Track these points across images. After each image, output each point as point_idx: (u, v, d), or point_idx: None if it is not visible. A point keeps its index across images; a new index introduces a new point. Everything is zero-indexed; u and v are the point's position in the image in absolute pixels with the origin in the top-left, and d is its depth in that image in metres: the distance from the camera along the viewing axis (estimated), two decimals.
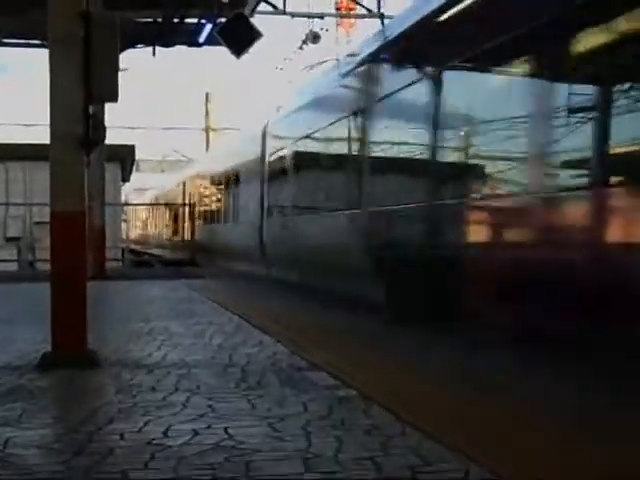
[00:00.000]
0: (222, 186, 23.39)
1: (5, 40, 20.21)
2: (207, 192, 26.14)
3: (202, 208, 26.51)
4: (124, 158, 29.14)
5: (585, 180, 6.16)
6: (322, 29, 27.78)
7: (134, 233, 47.92)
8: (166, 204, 35.65)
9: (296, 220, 14.53)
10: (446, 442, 4.49)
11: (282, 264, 15.50)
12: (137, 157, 34.44)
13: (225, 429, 4.85)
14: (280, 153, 16.09)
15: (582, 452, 4.33)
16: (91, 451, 4.44)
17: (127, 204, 43.96)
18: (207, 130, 55.11)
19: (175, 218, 33.06)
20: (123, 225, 36.64)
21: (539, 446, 4.46)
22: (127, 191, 47.76)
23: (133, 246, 43.09)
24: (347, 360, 7.29)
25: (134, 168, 36.35)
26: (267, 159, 17.29)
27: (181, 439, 4.64)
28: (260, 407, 5.46)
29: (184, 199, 30.22)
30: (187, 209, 28.81)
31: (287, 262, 15.04)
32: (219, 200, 23.98)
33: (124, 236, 36.76)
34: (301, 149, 14.56)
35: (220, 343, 8.45)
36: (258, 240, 17.26)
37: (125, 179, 33.78)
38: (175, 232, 32.49)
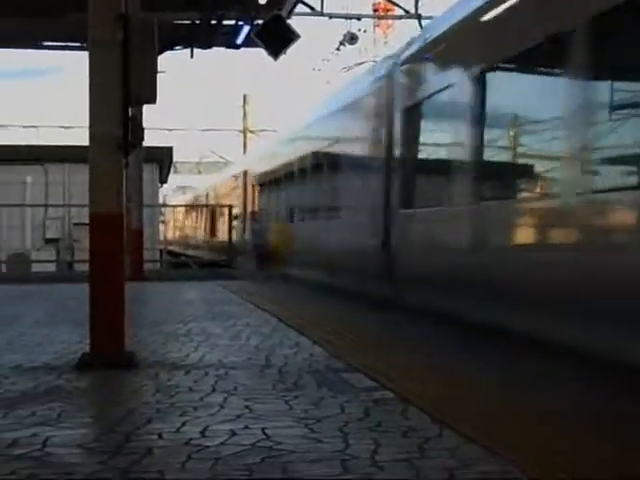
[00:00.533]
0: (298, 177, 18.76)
1: (45, 43, 20.43)
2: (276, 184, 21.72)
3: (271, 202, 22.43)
4: (162, 160, 29.34)
5: None
6: (359, 30, 27.78)
7: (172, 234, 48.14)
8: (205, 205, 35.86)
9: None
10: (484, 444, 4.46)
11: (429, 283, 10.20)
12: (175, 159, 34.64)
13: (262, 430, 4.85)
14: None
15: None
16: (129, 451, 4.46)
17: (165, 205, 44.13)
18: (245, 132, 55.27)
19: (213, 219, 33.17)
20: (161, 227, 36.82)
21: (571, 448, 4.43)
22: (165, 192, 48.14)
23: (170, 247, 43.30)
24: (385, 363, 7.27)
25: (172, 170, 36.58)
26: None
27: (218, 439, 4.65)
28: (297, 408, 5.46)
29: (246, 191, 26.45)
30: (246, 206, 26.21)
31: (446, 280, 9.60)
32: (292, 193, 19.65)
33: (162, 238, 36.93)
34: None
35: (257, 344, 8.46)
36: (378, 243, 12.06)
37: (163, 181, 34.01)
38: (213, 233, 32.61)
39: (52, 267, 25.91)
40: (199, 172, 57.52)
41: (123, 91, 7.39)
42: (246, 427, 4.95)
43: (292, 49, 17.80)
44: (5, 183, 27.57)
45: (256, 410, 5.40)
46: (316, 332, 9.28)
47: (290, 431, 4.85)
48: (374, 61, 17.45)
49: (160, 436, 4.76)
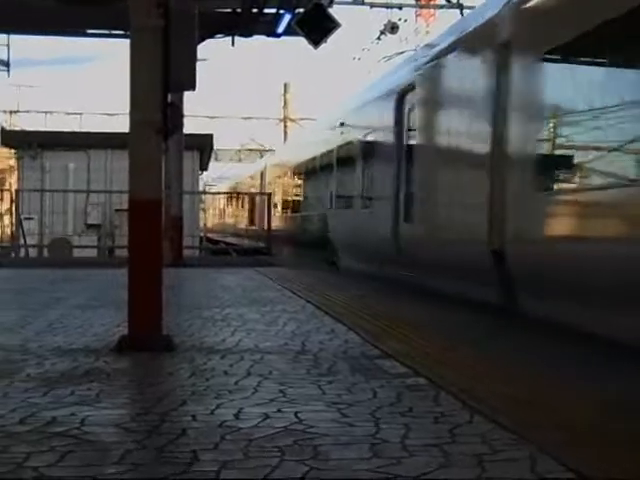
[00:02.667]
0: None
1: (90, 31, 20.60)
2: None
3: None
4: (202, 147, 29.45)
5: None
6: (400, 19, 27.72)
7: (213, 222, 48.36)
8: (245, 193, 35.96)
9: None
10: (515, 431, 4.49)
11: None
12: (215, 146, 34.75)
13: (295, 413, 4.92)
14: None
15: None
16: (164, 431, 4.54)
17: (204, 192, 44.27)
18: (285, 120, 55.39)
19: (252, 207, 33.28)
20: (201, 214, 36.99)
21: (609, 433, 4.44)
22: (206, 180, 48.32)
23: (210, 235, 43.51)
24: (420, 350, 7.31)
25: (212, 157, 36.71)
26: None
27: (252, 422, 4.72)
28: (330, 393, 5.52)
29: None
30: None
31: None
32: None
33: (202, 225, 37.09)
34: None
35: (293, 330, 8.53)
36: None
37: (203, 168, 34.14)
38: (252, 221, 32.73)
39: (93, 252, 26.17)
40: (239, 160, 57.74)
41: (163, 77, 7.47)
42: (279, 410, 5.01)
43: (332, 38, 17.82)
44: (48, 169, 27.89)
45: (290, 394, 5.47)
46: (352, 319, 9.34)
47: (322, 415, 4.90)
48: (414, 51, 17.23)
49: (194, 418, 4.84)
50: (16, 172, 30.81)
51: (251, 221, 33.09)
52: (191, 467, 3.90)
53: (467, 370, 6.38)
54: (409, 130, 13.59)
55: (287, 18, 18.62)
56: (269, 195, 27.72)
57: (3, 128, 33.54)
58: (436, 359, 6.82)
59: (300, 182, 25.01)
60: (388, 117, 14.37)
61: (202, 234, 34.20)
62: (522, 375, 6.22)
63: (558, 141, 8.88)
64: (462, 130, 11.25)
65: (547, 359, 6.87)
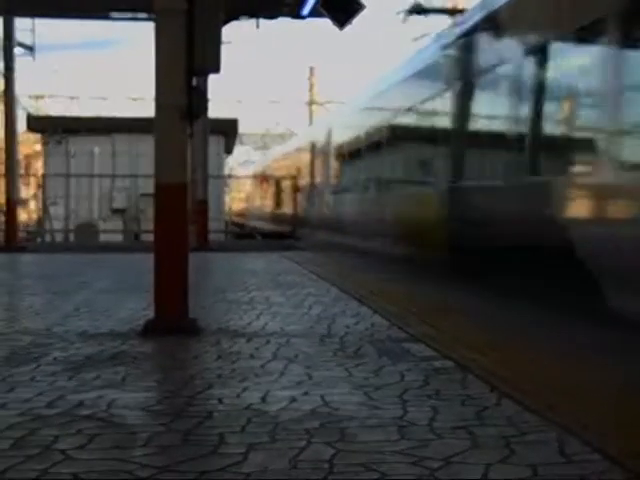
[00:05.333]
0: None
1: (114, 15, 20.59)
2: None
3: None
4: (227, 131, 29.47)
5: None
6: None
7: (238, 206, 48.37)
8: (270, 177, 35.88)
9: None
10: (542, 414, 4.47)
11: None
12: (240, 130, 34.74)
13: (321, 396, 4.91)
14: None
15: None
16: (190, 414, 4.54)
17: (230, 177, 44.25)
18: (311, 103, 55.29)
19: (277, 190, 33.19)
20: (227, 198, 36.96)
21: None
22: (232, 164, 48.32)
23: (236, 219, 43.53)
24: (446, 332, 7.28)
25: (237, 141, 36.73)
26: None
27: (278, 405, 4.72)
28: (357, 376, 5.50)
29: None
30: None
31: None
32: None
33: (227, 209, 37.09)
34: None
35: (319, 313, 8.52)
36: None
37: (228, 152, 34.17)
38: (278, 205, 32.67)
39: (119, 237, 26.28)
40: (264, 144, 57.75)
41: (187, 61, 7.45)
42: (306, 393, 5.01)
43: (358, 19, 17.71)
44: (74, 154, 27.99)
45: (316, 377, 5.46)
46: (378, 302, 9.32)
47: (349, 398, 4.89)
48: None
49: (221, 401, 4.84)
50: (42, 157, 30.95)
51: (277, 205, 32.98)
52: (218, 449, 3.90)
53: (495, 353, 6.35)
54: None
55: (312, 0, 18.50)
56: (294, 178, 27.69)
57: (29, 113, 33.63)
58: (463, 342, 6.79)
59: None
60: None
61: (227, 218, 34.23)
62: (552, 359, 6.18)
63: None
64: None
65: (581, 344, 6.82)
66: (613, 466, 3.66)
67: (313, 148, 26.18)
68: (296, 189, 27.22)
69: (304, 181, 27.14)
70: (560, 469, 3.64)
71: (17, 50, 20.73)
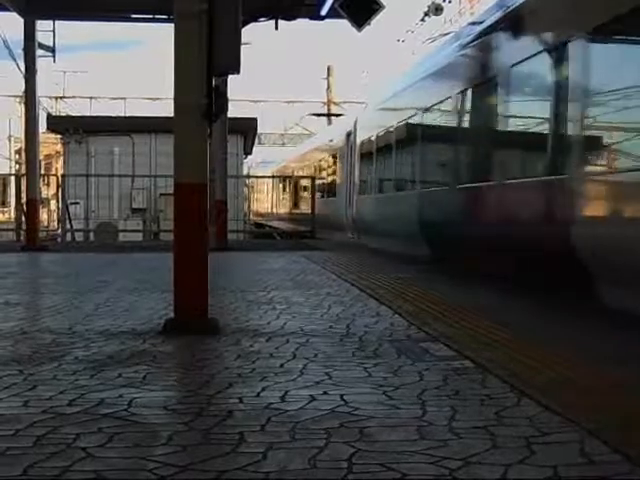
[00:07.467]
0: None
1: (134, 16, 20.68)
2: None
3: None
4: (246, 131, 29.55)
5: None
6: (445, 1, 27.57)
7: (257, 206, 48.41)
8: (289, 177, 35.88)
9: None
10: (563, 414, 4.46)
11: None
12: (259, 130, 34.77)
13: (341, 396, 4.92)
14: None
15: None
16: (210, 413, 4.56)
17: (248, 176, 44.33)
18: (328, 103, 55.29)
19: (296, 190, 33.21)
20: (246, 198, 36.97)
21: None
22: (250, 164, 48.33)
23: (255, 218, 43.57)
24: (466, 332, 7.28)
25: (256, 141, 36.76)
26: None
27: (298, 404, 4.73)
28: (376, 375, 5.51)
29: None
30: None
31: None
32: None
33: (246, 209, 37.13)
34: None
35: (338, 313, 8.53)
36: None
37: (247, 152, 34.22)
38: (297, 205, 32.72)
39: (139, 237, 26.37)
40: (283, 144, 57.81)
41: (207, 61, 7.48)
42: (325, 393, 5.02)
43: (376, 20, 17.69)
44: (94, 154, 28.12)
45: (335, 377, 5.47)
46: (397, 302, 9.32)
47: (368, 397, 4.90)
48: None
49: (241, 400, 4.86)
50: (62, 157, 31.11)
51: (296, 205, 33.03)
52: (238, 448, 3.92)
53: (514, 353, 6.34)
54: None
55: (330, 1, 18.50)
56: (313, 178, 27.71)
57: (49, 114, 33.84)
58: (483, 342, 6.78)
59: None
60: None
61: (246, 218, 34.28)
62: (572, 359, 6.16)
63: None
64: None
65: (600, 343, 6.80)
66: (635, 468, 3.65)
67: (334, 147, 26.12)
68: (315, 189, 27.22)
69: (324, 181, 27.16)
70: (581, 470, 3.63)
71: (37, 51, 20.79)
